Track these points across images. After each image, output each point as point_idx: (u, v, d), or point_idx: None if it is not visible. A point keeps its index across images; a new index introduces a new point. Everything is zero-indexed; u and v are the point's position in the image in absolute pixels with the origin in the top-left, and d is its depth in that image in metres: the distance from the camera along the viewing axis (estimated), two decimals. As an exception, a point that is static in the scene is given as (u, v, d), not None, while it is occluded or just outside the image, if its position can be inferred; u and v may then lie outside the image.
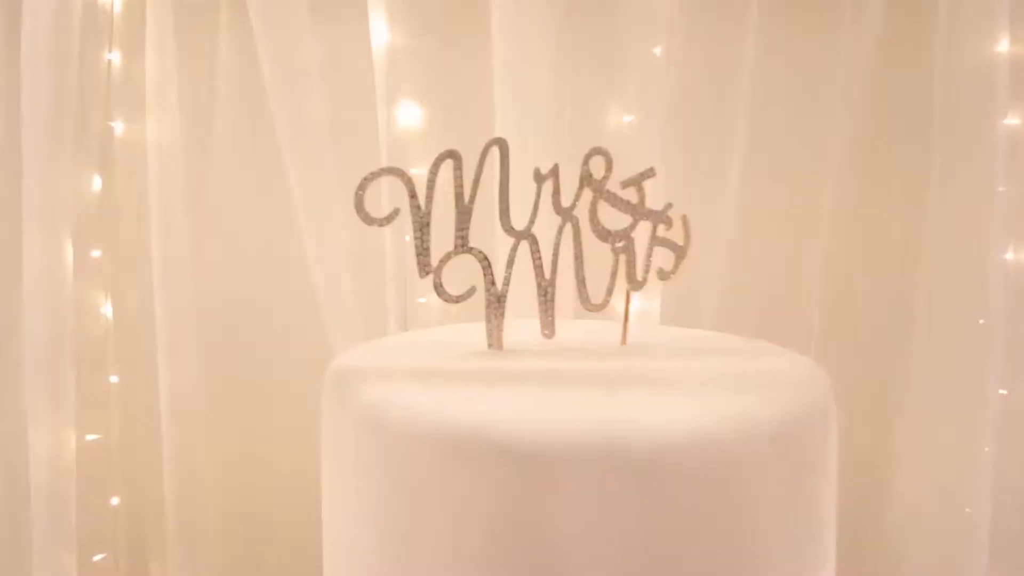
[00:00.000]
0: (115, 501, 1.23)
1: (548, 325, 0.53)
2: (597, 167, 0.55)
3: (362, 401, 0.41)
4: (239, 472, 1.25)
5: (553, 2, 1.05)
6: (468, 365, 0.47)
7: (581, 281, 0.53)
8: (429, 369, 0.47)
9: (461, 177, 0.50)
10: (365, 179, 0.49)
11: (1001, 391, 0.98)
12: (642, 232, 0.56)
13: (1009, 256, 0.98)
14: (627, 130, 1.07)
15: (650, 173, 0.56)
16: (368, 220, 0.49)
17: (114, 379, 1.21)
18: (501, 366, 0.46)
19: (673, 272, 0.56)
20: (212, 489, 1.22)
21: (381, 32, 1.09)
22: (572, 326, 0.57)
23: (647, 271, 0.55)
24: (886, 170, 1.10)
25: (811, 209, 1.11)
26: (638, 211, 0.54)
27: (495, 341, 0.51)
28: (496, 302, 0.50)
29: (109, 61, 1.14)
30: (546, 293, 0.52)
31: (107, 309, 1.20)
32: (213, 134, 1.18)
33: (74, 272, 1.10)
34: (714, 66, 1.09)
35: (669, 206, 0.57)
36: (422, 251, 0.49)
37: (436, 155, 0.52)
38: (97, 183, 1.16)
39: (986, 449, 0.98)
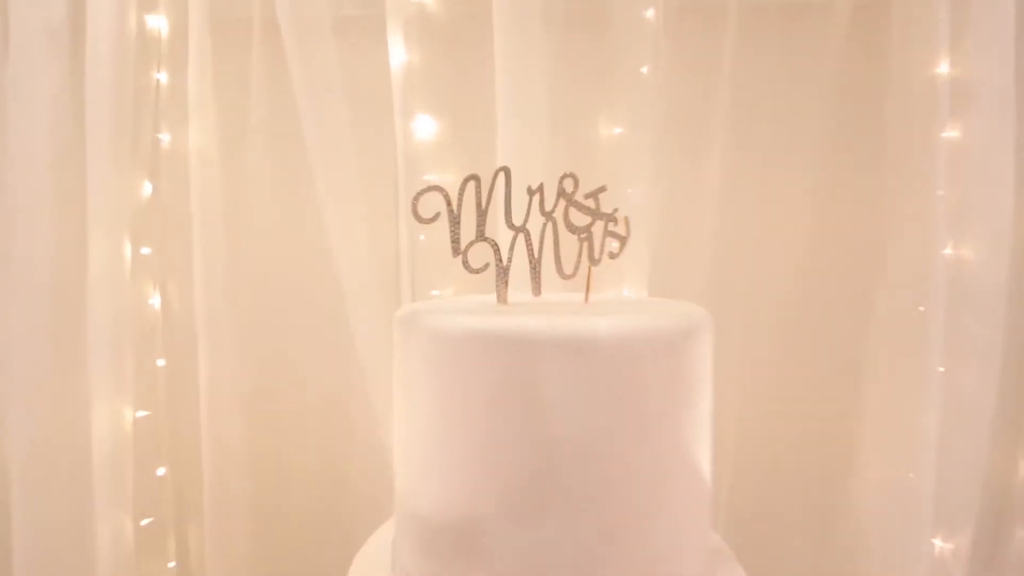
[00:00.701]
0: (161, 471, 1.38)
1: (536, 289, 0.77)
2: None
3: (427, 324, 0.63)
4: (268, 446, 1.40)
5: (550, 26, 1.19)
6: (486, 308, 0.70)
7: (558, 259, 0.77)
8: (463, 308, 0.70)
9: (479, 191, 0.68)
10: (419, 193, 0.69)
11: (940, 368, 1.12)
12: (599, 227, 0.78)
13: (948, 252, 1.12)
14: (616, 141, 1.21)
15: (601, 190, 0.78)
16: (420, 219, 0.68)
17: (161, 362, 1.36)
18: (507, 308, 0.70)
19: (619, 254, 0.79)
20: (243, 461, 1.37)
21: (398, 52, 1.22)
22: (552, 291, 0.80)
23: (601, 253, 0.78)
24: (848, 175, 1.23)
25: (783, 208, 1.25)
26: (595, 214, 0.77)
27: (502, 299, 0.73)
28: (503, 274, 0.72)
29: (157, 80, 1.29)
30: (535, 268, 0.75)
31: (155, 300, 1.34)
32: (247, 143, 1.32)
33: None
34: (695, 82, 1.23)
35: (615, 211, 0.79)
36: (455, 239, 0.69)
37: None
38: (148, 188, 1.30)
39: (928, 420, 1.12)
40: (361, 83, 1.28)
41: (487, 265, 0.70)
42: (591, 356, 0.55)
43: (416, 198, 0.68)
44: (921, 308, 1.12)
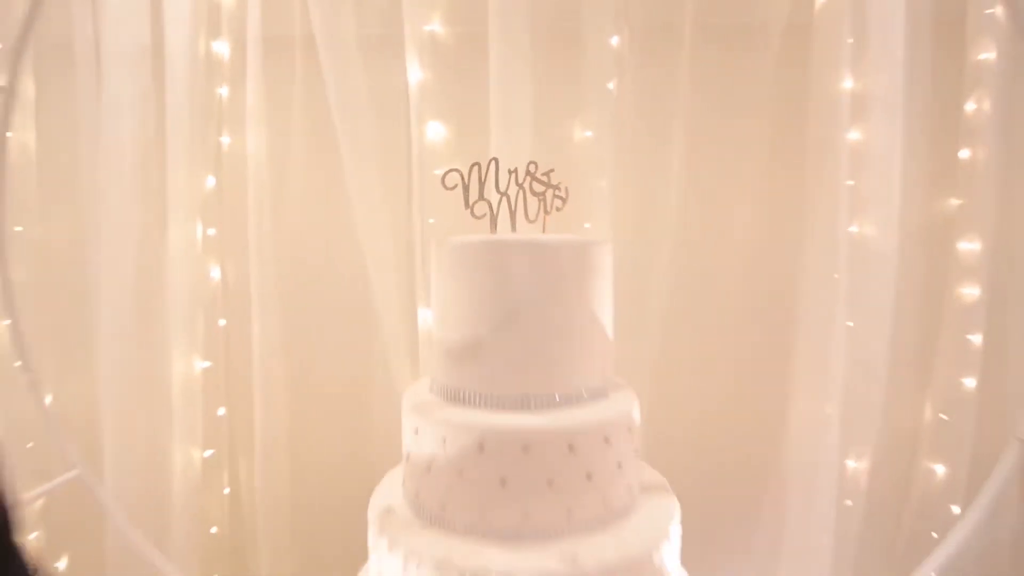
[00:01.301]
0: (221, 412, 1.69)
1: (513, 227, 1.06)
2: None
3: (453, 243, 0.98)
4: (307, 395, 1.68)
5: (535, 49, 1.47)
6: (484, 237, 1.00)
7: (525, 210, 1.07)
8: (471, 237, 1.01)
9: (480, 171, 0.99)
10: (446, 172, 1.00)
11: (849, 323, 1.39)
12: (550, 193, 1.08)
13: (854, 229, 1.39)
14: (587, 142, 1.50)
15: (550, 171, 1.10)
16: (445, 187, 1.01)
17: (222, 322, 1.67)
18: (495, 236, 1.01)
19: (560, 209, 1.11)
20: (286, 406, 1.65)
21: (414, 71, 1.50)
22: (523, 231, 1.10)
23: (551, 206, 1.10)
24: (779, 169, 1.51)
25: (728, 195, 1.54)
26: (547, 184, 1.09)
27: (493, 231, 1.03)
28: (493, 218, 1.01)
29: (220, 94, 1.59)
30: (513, 215, 1.05)
31: (216, 272, 1.65)
32: (291, 144, 1.61)
33: (198, 245, 1.56)
34: (654, 94, 1.51)
35: (560, 183, 1.11)
36: (466, 199, 0.99)
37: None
38: (211, 181, 1.61)
39: (838, 364, 1.40)
40: (384, 94, 1.57)
41: (485, 215, 1.01)
42: (538, 254, 0.95)
43: (444, 174, 1.00)
44: (836, 275, 1.40)
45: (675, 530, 0.95)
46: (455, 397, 0.96)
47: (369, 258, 1.59)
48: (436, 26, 1.52)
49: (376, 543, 0.94)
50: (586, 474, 0.87)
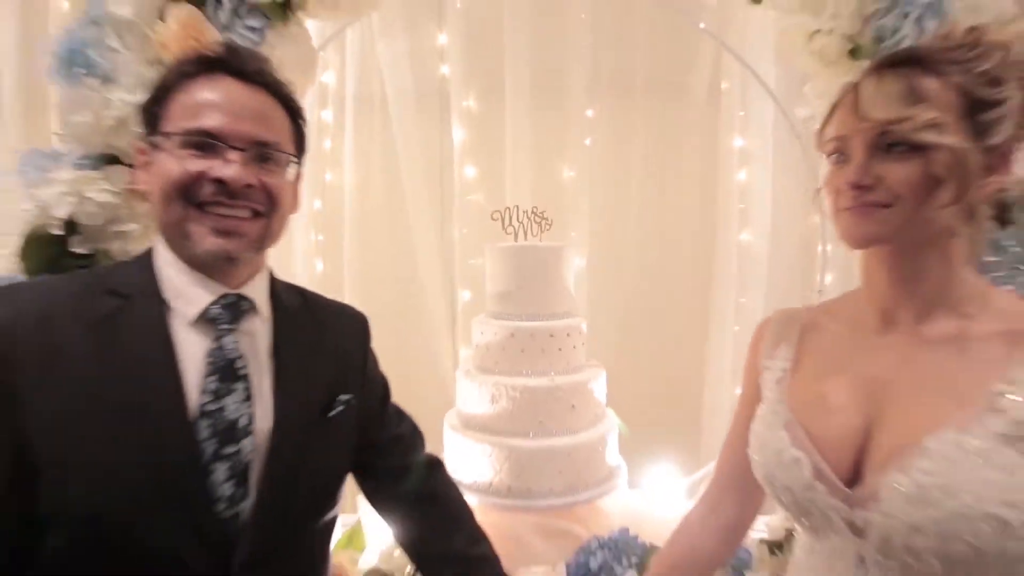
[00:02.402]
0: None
1: (525, 238, 1.74)
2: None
3: (497, 247, 1.65)
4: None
5: (534, 116, 2.22)
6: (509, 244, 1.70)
7: (527, 231, 1.75)
8: (503, 243, 1.71)
9: (507, 210, 1.70)
10: (495, 211, 1.70)
11: (742, 299, 2.12)
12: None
13: (744, 237, 2.12)
14: (571, 180, 2.25)
15: (543, 211, 1.76)
16: (493, 218, 1.70)
17: (322, 300, 2.43)
18: (515, 243, 1.71)
19: (547, 230, 1.77)
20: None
21: (457, 130, 2.27)
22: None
23: (541, 231, 1.76)
24: (702, 194, 2.24)
25: (669, 215, 2.27)
26: (541, 217, 1.75)
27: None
28: (513, 233, 1.70)
29: (325, 145, 2.36)
30: (525, 233, 1.72)
31: (320, 265, 2.41)
32: (371, 179, 2.37)
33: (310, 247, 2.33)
34: (618, 144, 2.26)
35: (544, 212, 1.77)
36: (503, 224, 1.68)
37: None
38: (318, 204, 2.38)
39: (729, 335, 2.11)
40: (436, 147, 2.33)
41: (511, 232, 1.69)
42: (534, 252, 1.58)
43: (492, 212, 1.70)
44: (734, 269, 2.12)
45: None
46: (498, 316, 1.62)
47: (420, 256, 2.34)
48: (471, 102, 2.28)
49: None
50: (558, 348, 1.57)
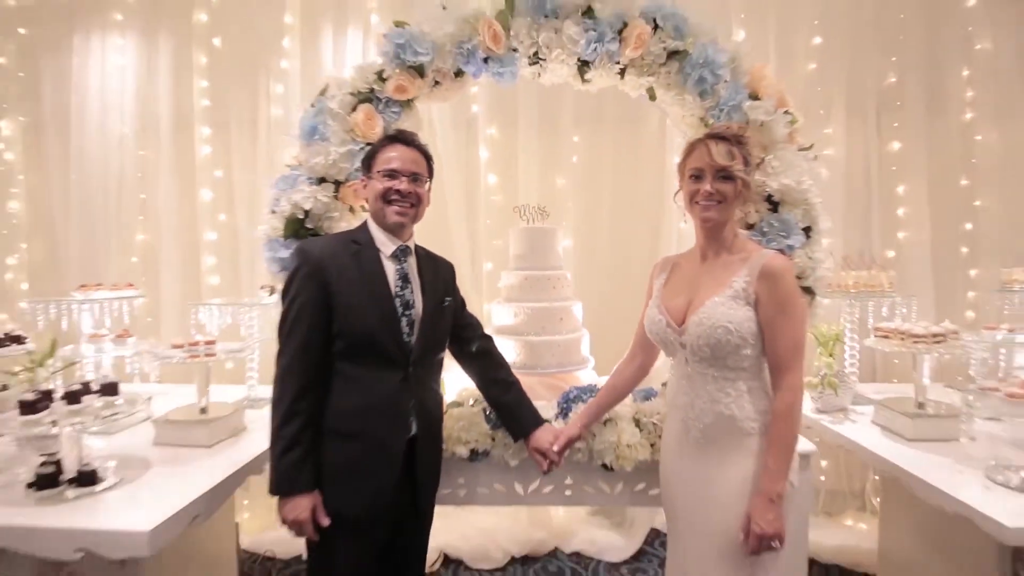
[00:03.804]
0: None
1: (531, 223, 2.72)
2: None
3: (518, 229, 2.63)
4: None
5: (540, 139, 3.20)
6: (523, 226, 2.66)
7: (534, 219, 2.73)
8: (520, 227, 2.70)
9: (522, 207, 2.68)
10: (516, 207, 2.67)
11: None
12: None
13: (681, 226, 3.09)
14: (562, 186, 3.23)
15: (543, 207, 2.74)
16: (515, 213, 2.66)
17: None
18: (526, 226, 2.66)
19: (546, 218, 2.75)
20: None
21: (483, 150, 3.25)
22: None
23: (544, 218, 2.74)
24: (655, 195, 3.22)
25: (633, 211, 3.25)
26: (543, 211, 2.74)
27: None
28: (528, 221, 2.66)
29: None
30: (531, 220, 2.70)
31: (384, 246, 3.38)
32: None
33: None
34: (593, 160, 3.24)
35: (544, 207, 2.75)
36: (520, 214, 2.65)
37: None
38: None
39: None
40: (466, 157, 3.31)
41: (526, 219, 2.66)
42: (537, 232, 2.46)
43: (514, 207, 2.65)
44: (674, 247, 3.10)
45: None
46: (517, 268, 2.48)
47: (455, 239, 3.31)
48: (493, 131, 3.26)
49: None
50: (552, 287, 2.55)
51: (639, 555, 3.00)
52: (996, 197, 3.09)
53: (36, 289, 3.39)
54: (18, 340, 2.23)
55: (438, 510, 1.81)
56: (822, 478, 3.19)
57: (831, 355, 2.43)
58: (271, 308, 2.54)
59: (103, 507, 1.58)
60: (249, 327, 2.53)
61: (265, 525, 3.13)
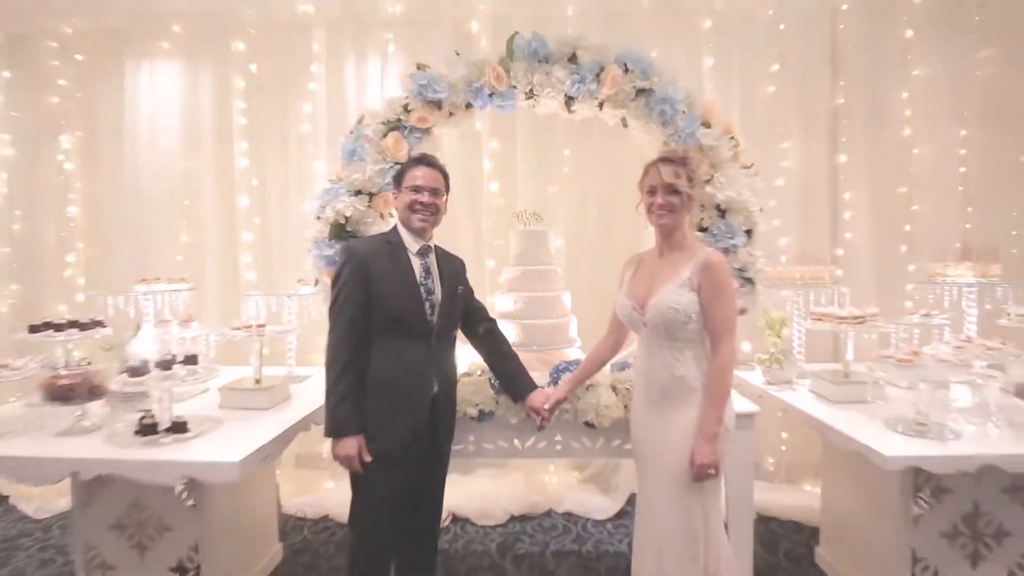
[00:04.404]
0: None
1: (528, 226, 3.21)
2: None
3: (518, 230, 3.12)
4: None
5: (537, 151, 3.68)
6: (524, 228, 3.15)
7: (529, 221, 3.22)
8: (521, 228, 3.18)
9: (524, 212, 3.16)
10: (516, 212, 3.16)
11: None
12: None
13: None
14: (556, 192, 3.71)
15: (536, 211, 3.23)
16: (515, 217, 3.15)
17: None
18: (524, 228, 3.15)
19: (540, 221, 3.23)
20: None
21: (487, 162, 3.72)
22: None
23: (539, 221, 3.22)
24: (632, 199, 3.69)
25: (616, 214, 3.72)
26: (536, 216, 3.22)
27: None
28: (526, 224, 3.14)
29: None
30: (527, 223, 3.18)
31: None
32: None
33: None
34: (582, 171, 3.71)
35: (536, 212, 3.24)
36: (518, 218, 3.13)
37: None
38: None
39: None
40: (473, 167, 3.78)
41: (525, 223, 3.13)
42: (533, 233, 2.97)
43: (516, 213, 3.14)
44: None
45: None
46: (516, 264, 2.97)
47: (461, 239, 3.77)
48: (495, 144, 3.73)
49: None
50: (545, 280, 3.02)
51: (621, 514, 3.47)
52: (931, 202, 3.57)
53: (91, 284, 3.85)
54: (101, 324, 2.69)
55: (449, 478, 2.27)
56: (783, 448, 3.67)
57: (779, 336, 2.90)
58: (307, 299, 3.00)
59: (196, 448, 2.03)
60: (289, 314, 2.99)
61: (297, 491, 3.60)
